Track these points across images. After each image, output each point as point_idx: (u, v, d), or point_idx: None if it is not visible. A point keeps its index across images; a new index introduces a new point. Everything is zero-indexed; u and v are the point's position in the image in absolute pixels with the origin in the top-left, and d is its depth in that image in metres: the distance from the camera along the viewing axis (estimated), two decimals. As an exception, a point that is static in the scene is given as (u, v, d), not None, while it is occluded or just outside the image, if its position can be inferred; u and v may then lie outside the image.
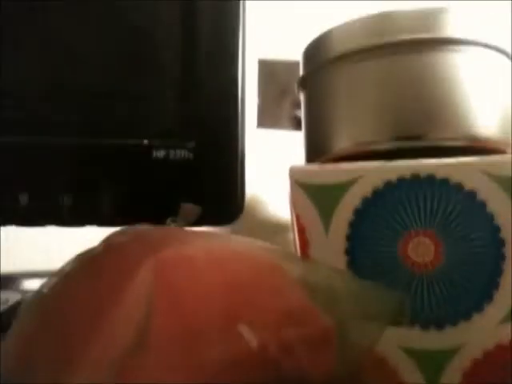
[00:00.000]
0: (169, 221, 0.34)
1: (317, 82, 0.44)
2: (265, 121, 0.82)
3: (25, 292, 0.53)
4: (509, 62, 0.41)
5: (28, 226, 0.45)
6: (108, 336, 0.22)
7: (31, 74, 0.44)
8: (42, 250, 0.72)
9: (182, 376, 0.21)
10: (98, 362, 0.21)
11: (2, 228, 0.62)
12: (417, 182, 0.35)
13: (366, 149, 0.39)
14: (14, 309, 0.44)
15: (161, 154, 0.44)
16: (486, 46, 0.40)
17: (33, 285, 0.55)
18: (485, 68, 0.40)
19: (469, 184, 0.34)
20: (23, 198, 0.43)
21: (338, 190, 0.36)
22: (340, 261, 0.35)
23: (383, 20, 0.40)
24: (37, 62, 0.44)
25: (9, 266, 0.70)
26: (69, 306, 0.26)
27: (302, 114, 0.48)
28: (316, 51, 0.44)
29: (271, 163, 0.75)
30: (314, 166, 0.38)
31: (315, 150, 0.44)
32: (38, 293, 0.28)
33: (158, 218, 0.34)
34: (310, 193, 0.36)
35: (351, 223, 0.35)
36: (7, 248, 0.70)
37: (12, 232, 0.70)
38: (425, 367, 0.34)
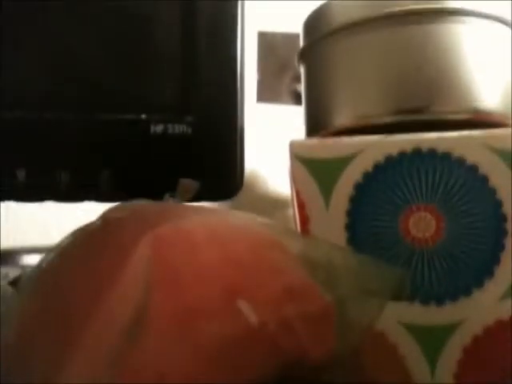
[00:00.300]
0: (167, 196, 0.34)
1: (317, 55, 0.44)
2: (264, 95, 0.81)
3: (24, 267, 0.53)
4: (510, 32, 0.41)
5: (26, 201, 0.45)
6: (106, 315, 0.22)
7: (32, 51, 0.44)
8: (41, 225, 0.72)
9: (180, 354, 0.21)
10: (97, 342, 0.21)
11: (2, 204, 0.62)
12: (418, 156, 0.34)
13: (367, 123, 0.39)
14: (14, 283, 0.44)
15: (159, 128, 0.44)
16: (489, 16, 0.39)
17: (32, 260, 0.55)
18: (487, 40, 0.39)
19: (471, 158, 0.34)
20: (21, 174, 0.43)
21: (338, 165, 0.35)
22: (340, 236, 0.35)
23: (385, -10, 0.39)
24: (35, 39, 0.44)
25: (8, 242, 0.70)
26: (67, 283, 0.26)
27: (302, 87, 0.48)
28: (316, 23, 0.44)
29: (271, 138, 0.74)
30: (315, 141, 0.38)
31: (315, 125, 0.44)
32: (36, 269, 0.28)
33: (157, 194, 0.34)
34: (311, 167, 0.36)
35: (352, 198, 0.35)
36: (7, 224, 0.70)
37: (11, 208, 0.70)
38: (425, 343, 0.34)
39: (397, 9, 0.38)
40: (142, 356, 0.20)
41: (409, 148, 0.34)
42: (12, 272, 0.48)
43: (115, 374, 0.20)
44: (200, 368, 0.21)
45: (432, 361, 0.34)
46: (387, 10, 0.39)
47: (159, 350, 0.21)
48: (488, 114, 0.38)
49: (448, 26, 0.38)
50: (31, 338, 0.24)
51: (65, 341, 0.22)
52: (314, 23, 0.44)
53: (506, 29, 0.41)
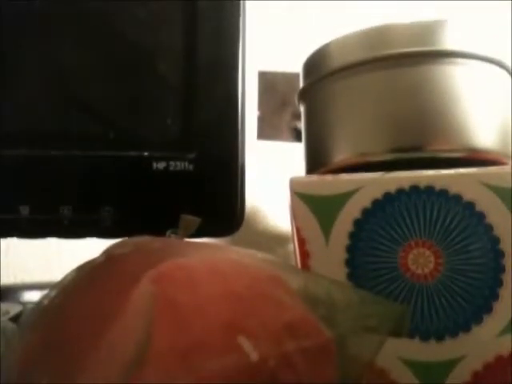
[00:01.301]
0: (169, 232, 0.34)
1: (317, 94, 0.44)
2: (265, 132, 0.82)
3: (25, 303, 0.53)
4: (508, 74, 0.42)
5: (29, 237, 0.45)
6: (108, 349, 0.22)
7: (31, 86, 0.44)
8: (42, 261, 0.72)
9: (181, 388, 0.21)
10: (99, 376, 0.21)
11: (3, 240, 0.62)
12: (416, 193, 0.35)
13: (366, 160, 0.39)
14: (15, 320, 0.44)
15: (161, 165, 0.44)
16: (485, 59, 0.40)
17: (33, 296, 0.55)
18: (483, 80, 0.40)
19: (468, 195, 0.34)
20: (24, 210, 0.43)
21: (338, 201, 0.36)
22: (340, 272, 0.35)
23: (382, 33, 0.40)
24: (36, 75, 0.44)
25: (9, 278, 0.70)
26: (69, 317, 0.26)
27: (302, 125, 0.48)
28: (316, 63, 0.45)
29: (271, 175, 0.75)
30: (314, 178, 0.38)
31: (315, 162, 0.44)
32: (38, 305, 0.28)
33: (158, 230, 0.34)
34: (310, 204, 0.36)
35: (351, 234, 0.35)
36: (7, 260, 0.70)
37: (12, 244, 0.70)
38: (425, 379, 0.34)
39: (394, 51, 0.39)
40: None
41: (407, 185, 0.35)
42: (13, 308, 0.47)
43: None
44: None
45: (433, 397, 0.34)
46: (385, 52, 0.40)
47: (160, 384, 0.21)
48: (484, 152, 0.39)
49: (444, 67, 0.39)
50: (32, 373, 0.24)
51: (66, 375, 0.22)
52: (313, 64, 0.45)
53: (502, 70, 0.41)
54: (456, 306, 0.34)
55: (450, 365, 0.34)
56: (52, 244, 0.70)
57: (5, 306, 0.49)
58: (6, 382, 0.25)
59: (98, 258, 0.29)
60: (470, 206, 0.34)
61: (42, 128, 0.44)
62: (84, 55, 0.45)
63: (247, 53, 0.47)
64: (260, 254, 0.30)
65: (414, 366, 0.34)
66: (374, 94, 0.40)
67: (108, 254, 0.29)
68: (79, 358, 0.22)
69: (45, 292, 0.29)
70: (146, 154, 0.44)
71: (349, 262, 0.35)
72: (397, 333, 0.29)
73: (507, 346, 0.34)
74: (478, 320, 0.34)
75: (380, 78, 0.40)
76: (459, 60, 0.39)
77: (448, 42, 0.40)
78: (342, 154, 0.41)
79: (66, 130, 0.45)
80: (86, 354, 0.22)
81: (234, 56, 0.46)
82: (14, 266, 0.71)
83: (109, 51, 0.45)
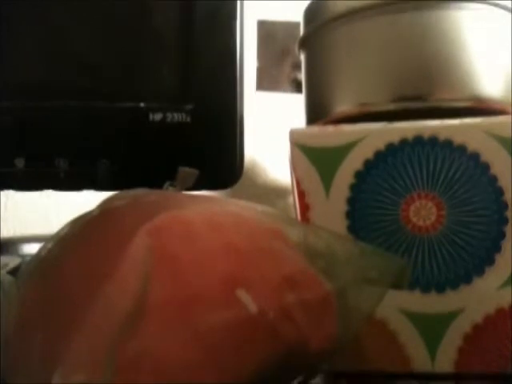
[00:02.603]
0: (166, 185, 0.34)
1: (317, 43, 0.43)
2: (264, 83, 0.81)
3: (24, 256, 0.53)
4: (511, 19, 0.41)
5: (25, 190, 0.45)
6: (105, 303, 0.22)
7: (30, 40, 0.43)
8: (41, 214, 0.72)
9: (180, 341, 0.21)
10: (97, 330, 0.21)
11: (1, 194, 0.62)
12: (419, 144, 0.34)
13: (368, 110, 0.39)
14: (14, 273, 0.44)
15: (158, 117, 0.43)
16: (490, 3, 0.39)
17: (32, 249, 0.55)
18: (488, 26, 0.39)
19: (472, 146, 0.34)
20: (20, 162, 0.42)
21: (339, 153, 0.35)
22: (341, 224, 0.35)
23: (386, -23, 0.39)
24: (36, 30, 0.44)
25: (8, 231, 0.70)
26: (66, 272, 0.25)
27: (302, 75, 0.47)
28: (317, 10, 0.43)
29: (271, 126, 0.74)
30: (315, 129, 0.37)
31: (316, 113, 0.44)
32: (36, 257, 0.28)
33: (156, 182, 0.33)
34: (311, 156, 0.36)
35: (352, 186, 0.35)
36: (6, 213, 0.70)
37: (11, 197, 0.70)
38: (425, 331, 0.34)
39: (397, -5, 0.38)
40: (141, 344, 0.20)
41: (410, 136, 0.34)
42: (12, 261, 0.48)
43: (114, 361, 0.20)
44: (199, 355, 0.21)
45: (432, 348, 0.34)
46: (388, -4, 0.38)
47: (158, 338, 0.21)
48: (489, 101, 0.38)
49: (448, 12, 0.38)
50: (31, 327, 0.24)
51: (64, 329, 0.22)
52: (314, 11, 0.44)
53: (507, 15, 0.40)
54: (457, 258, 0.34)
55: (450, 317, 0.34)
56: (50, 197, 0.70)
57: (4, 258, 0.49)
58: (5, 335, 0.25)
59: (94, 210, 0.28)
60: (475, 156, 0.34)
61: (37, 79, 0.44)
62: (81, 9, 0.44)
63: (246, 1, 0.46)
64: (259, 207, 0.29)
65: (415, 318, 0.34)
66: (375, 41, 0.39)
67: (104, 207, 0.28)
68: (75, 313, 0.22)
69: (42, 245, 0.29)
70: (142, 105, 0.43)
71: (349, 215, 0.35)
72: (397, 285, 0.29)
73: (508, 299, 0.34)
74: (480, 272, 0.34)
75: (382, 24, 0.39)
76: (463, 4, 0.38)
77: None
78: (343, 104, 0.40)
79: (62, 82, 0.44)
80: (82, 309, 0.22)
81: (232, 5, 0.45)
82: (13, 219, 0.71)
83: (106, 3, 0.44)
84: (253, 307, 0.22)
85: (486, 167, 0.34)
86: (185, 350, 0.21)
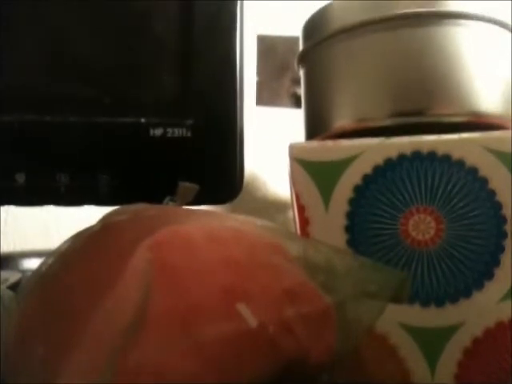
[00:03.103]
0: (167, 200, 0.34)
1: (316, 57, 0.44)
2: (264, 98, 0.81)
3: (24, 271, 0.53)
4: (510, 36, 0.41)
5: (26, 205, 0.45)
6: (106, 315, 0.22)
7: (29, 52, 0.44)
8: (41, 229, 0.72)
9: (180, 354, 0.21)
10: (97, 342, 0.21)
11: (2, 208, 0.62)
12: (418, 159, 0.34)
13: (367, 125, 0.39)
14: (14, 288, 0.44)
15: (158, 132, 0.43)
16: (488, 20, 0.40)
17: (32, 264, 0.55)
18: (486, 42, 0.40)
19: (470, 160, 0.34)
20: (20, 178, 0.43)
21: (338, 167, 0.35)
22: (340, 238, 0.35)
23: (384, -6, 0.39)
24: (32, 39, 0.44)
25: (9, 246, 0.70)
26: (66, 286, 0.26)
27: (301, 90, 0.48)
28: (316, 25, 0.44)
29: (270, 141, 0.74)
30: (314, 143, 0.38)
31: (315, 127, 0.44)
32: (36, 272, 0.28)
33: (156, 197, 0.34)
34: (310, 170, 0.36)
35: (351, 201, 0.35)
36: (7, 228, 0.70)
37: (11, 212, 0.70)
38: (425, 345, 0.34)
39: (396, 12, 0.38)
40: (142, 356, 0.20)
41: (408, 150, 0.34)
42: (12, 276, 0.47)
43: (115, 374, 0.20)
44: (199, 368, 0.21)
45: (432, 362, 0.34)
46: (386, 13, 0.39)
47: (158, 350, 0.21)
48: (487, 116, 0.38)
49: (447, 28, 0.38)
50: (31, 340, 0.24)
51: (64, 342, 0.22)
52: (313, 26, 0.44)
53: (506, 32, 0.41)
54: (457, 272, 0.34)
55: (450, 330, 0.34)
56: (51, 212, 0.70)
57: (4, 273, 0.49)
58: (5, 350, 0.25)
59: (95, 225, 0.28)
60: (473, 171, 0.34)
61: (37, 93, 0.44)
62: (80, 19, 0.44)
63: (246, 16, 0.46)
64: (259, 221, 0.29)
65: (414, 332, 0.34)
66: (374, 56, 0.39)
67: (104, 221, 0.28)
68: (76, 325, 0.22)
69: (43, 260, 0.29)
70: (143, 120, 0.44)
71: (349, 229, 0.35)
72: (397, 299, 0.29)
73: (508, 312, 0.34)
74: (479, 286, 0.34)
75: (381, 40, 0.39)
76: (462, 21, 0.39)
77: (451, 3, 0.39)
78: (342, 119, 0.41)
79: (62, 96, 0.44)
80: (83, 322, 0.22)
81: (233, 19, 0.45)
82: (13, 234, 0.71)
83: (106, 15, 0.44)
84: (252, 321, 0.22)
85: (484, 182, 0.34)
86: (184, 361, 0.21)
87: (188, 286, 0.23)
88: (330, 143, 0.36)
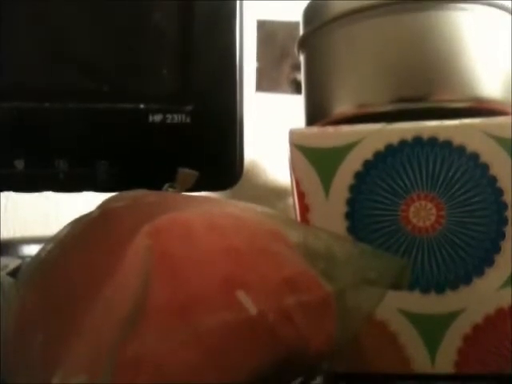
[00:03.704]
0: (166, 186, 0.34)
1: (317, 43, 0.43)
2: (263, 84, 0.81)
3: (24, 257, 0.53)
4: (510, 19, 0.41)
5: (25, 191, 0.44)
6: (105, 304, 0.22)
7: (30, 40, 0.43)
8: (41, 215, 0.72)
9: (179, 343, 0.21)
10: (97, 331, 0.21)
11: (2, 195, 0.62)
12: (419, 145, 0.34)
13: (367, 111, 0.39)
14: (14, 274, 0.44)
15: (158, 118, 0.43)
16: (490, 3, 0.39)
17: (32, 250, 0.55)
18: (488, 27, 0.39)
19: (471, 146, 0.34)
20: (19, 164, 0.42)
21: (338, 154, 0.35)
22: (340, 225, 0.35)
23: (385, -23, 0.39)
24: (36, 28, 0.43)
25: (8, 232, 0.70)
26: (66, 273, 0.25)
27: (301, 76, 0.47)
28: (316, 10, 0.43)
29: (270, 127, 0.74)
30: (314, 129, 0.37)
31: (315, 113, 0.44)
32: (36, 258, 0.28)
33: (155, 184, 0.33)
34: (310, 156, 0.36)
35: (352, 187, 0.35)
36: (6, 214, 0.70)
37: (11, 198, 0.70)
38: (425, 332, 0.34)
39: (397, -5, 0.38)
40: (141, 345, 0.20)
41: (409, 136, 0.34)
42: (12, 263, 0.47)
43: (114, 362, 0.20)
44: (199, 357, 0.21)
45: (432, 349, 0.34)
46: (387, -3, 0.38)
47: (158, 339, 0.21)
48: (488, 102, 0.38)
49: (448, 12, 0.38)
50: (31, 328, 0.24)
51: (64, 330, 0.22)
52: (314, 11, 0.44)
53: (506, 15, 0.40)
54: (457, 259, 0.34)
55: (450, 317, 0.34)
56: (50, 198, 0.70)
57: (4, 260, 0.49)
58: (5, 337, 0.25)
59: (94, 212, 0.28)
60: (474, 157, 0.34)
61: (36, 80, 0.44)
62: (80, 8, 0.44)
63: (245, 1, 0.45)
64: (259, 208, 0.29)
65: (414, 319, 0.34)
66: (375, 42, 0.39)
67: (103, 208, 0.28)
68: (76, 314, 0.22)
69: (42, 246, 0.29)
70: (142, 106, 0.43)
71: (349, 216, 0.35)
72: (397, 286, 0.29)
73: (508, 299, 0.34)
74: (479, 272, 0.34)
75: (382, 25, 0.39)
76: (463, 5, 0.38)
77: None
78: (342, 105, 0.40)
79: (61, 83, 0.44)
80: (82, 311, 0.22)
81: (233, 5, 0.44)
82: (13, 220, 0.71)
83: (105, 3, 0.44)
84: (252, 309, 0.22)
85: (485, 168, 0.34)
86: (184, 350, 0.21)
87: (187, 275, 0.23)
88: (330, 129, 0.36)
